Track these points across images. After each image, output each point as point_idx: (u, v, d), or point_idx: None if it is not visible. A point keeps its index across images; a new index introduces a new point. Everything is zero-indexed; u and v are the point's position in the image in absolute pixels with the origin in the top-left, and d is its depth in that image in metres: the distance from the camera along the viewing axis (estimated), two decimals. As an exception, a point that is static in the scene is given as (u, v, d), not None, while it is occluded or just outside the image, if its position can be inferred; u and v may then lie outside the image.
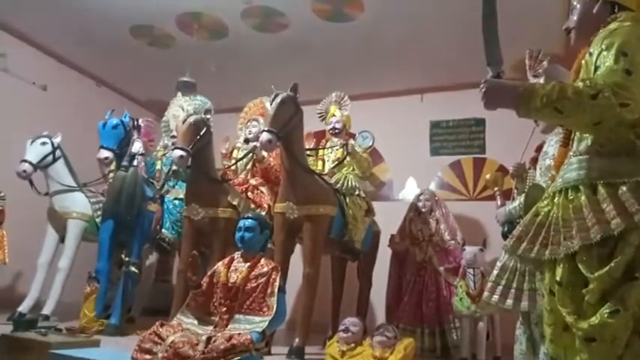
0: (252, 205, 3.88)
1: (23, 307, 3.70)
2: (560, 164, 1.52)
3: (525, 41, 3.03)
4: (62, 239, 3.97)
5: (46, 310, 3.71)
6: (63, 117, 5.02)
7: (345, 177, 3.86)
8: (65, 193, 3.96)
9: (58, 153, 4.00)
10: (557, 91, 1.27)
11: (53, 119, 4.71)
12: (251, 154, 4.07)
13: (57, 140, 4.02)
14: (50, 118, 4.79)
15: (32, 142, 3.92)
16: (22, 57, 5.02)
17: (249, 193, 4.03)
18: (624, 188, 1.28)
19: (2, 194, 3.76)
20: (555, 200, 1.43)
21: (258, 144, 3.40)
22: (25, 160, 3.78)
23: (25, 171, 3.74)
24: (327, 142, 4.17)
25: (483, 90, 1.41)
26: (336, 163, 3.92)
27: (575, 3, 1.57)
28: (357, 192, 3.79)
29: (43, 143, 3.93)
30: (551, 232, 1.38)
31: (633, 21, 1.40)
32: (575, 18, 1.56)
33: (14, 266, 3.90)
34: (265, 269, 2.51)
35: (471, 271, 3.43)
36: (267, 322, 2.35)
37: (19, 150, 3.88)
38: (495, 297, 2.32)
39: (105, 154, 3.54)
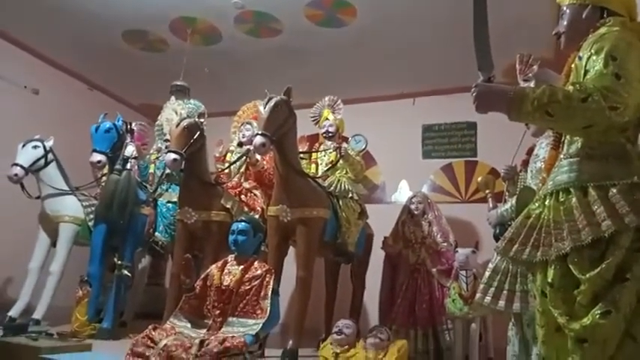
0: (246, 209, 3.88)
1: (14, 312, 3.66)
2: (551, 167, 1.54)
3: (516, 46, 3.07)
4: (54, 243, 3.93)
5: (37, 315, 3.67)
6: (55, 121, 5.00)
7: (339, 180, 3.88)
8: (57, 197, 3.93)
9: (50, 156, 3.96)
10: (548, 95, 1.29)
11: (45, 123, 4.68)
12: (244, 158, 4.07)
13: (49, 144, 3.99)
14: (42, 121, 4.77)
15: (24, 145, 3.88)
16: (13, 61, 4.99)
17: (243, 197, 4.03)
18: (614, 190, 1.30)
19: (-7, 198, 3.74)
20: (546, 202, 1.45)
21: (251, 147, 3.40)
22: (17, 164, 3.74)
23: (16, 174, 3.70)
24: (320, 145, 4.18)
25: (474, 94, 1.43)
26: (330, 166, 3.93)
27: (564, 8, 1.59)
28: (350, 195, 3.81)
29: (35, 147, 3.90)
30: (542, 234, 1.40)
31: (622, 26, 1.43)
32: (564, 23, 1.59)
33: (5, 271, 3.87)
34: (259, 272, 2.51)
35: (463, 272, 3.45)
36: (260, 325, 2.35)
37: (11, 154, 3.85)
38: (488, 298, 2.34)
39: (97, 157, 3.53)
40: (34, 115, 5.00)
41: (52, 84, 5.43)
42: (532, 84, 2.41)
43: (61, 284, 3.83)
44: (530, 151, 2.63)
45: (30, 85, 5.16)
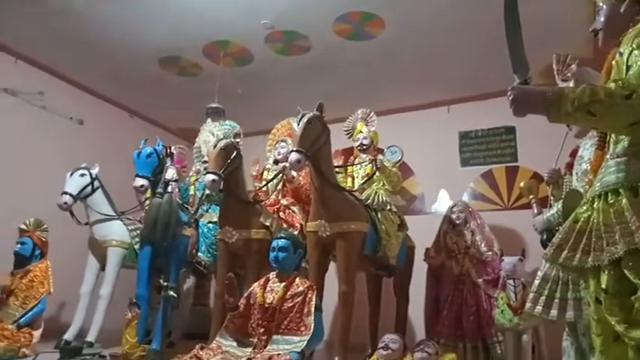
0: (285, 225, 3.90)
1: (68, 335, 3.79)
2: (597, 168, 1.49)
3: (552, 46, 3.00)
4: (103, 267, 4.07)
5: (90, 337, 3.79)
6: (99, 149, 5.22)
7: (376, 192, 3.85)
8: (104, 222, 4.07)
9: (96, 183, 4.12)
10: (589, 94, 1.25)
11: (90, 151, 4.89)
12: (281, 175, 4.10)
13: (95, 171, 4.15)
14: (87, 150, 4.98)
15: (71, 174, 4.06)
16: (58, 94, 5.26)
17: (281, 213, 4.06)
18: (667, 189, 1.24)
19: (45, 226, 3.90)
20: (595, 205, 1.39)
21: (287, 164, 3.44)
22: (66, 192, 3.91)
23: (66, 202, 3.86)
24: (355, 158, 4.18)
25: (511, 97, 1.40)
26: (366, 179, 3.92)
27: (600, 4, 1.55)
28: (388, 207, 3.77)
29: (82, 175, 4.07)
30: (592, 238, 1.34)
31: (663, 19, 1.38)
32: (602, 19, 1.54)
33: (58, 295, 4.02)
34: (301, 288, 2.52)
35: (511, 282, 3.34)
36: (305, 342, 2.35)
37: (59, 182, 4.03)
38: (539, 308, 2.24)
39: (140, 182, 3.63)
40: (80, 144, 5.24)
41: (95, 113, 5.69)
42: (571, 84, 2.34)
43: (110, 307, 3.95)
44: (574, 153, 2.54)
45: (75, 116, 5.42)
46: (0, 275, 3.83)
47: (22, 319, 3.41)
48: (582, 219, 1.41)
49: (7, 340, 3.12)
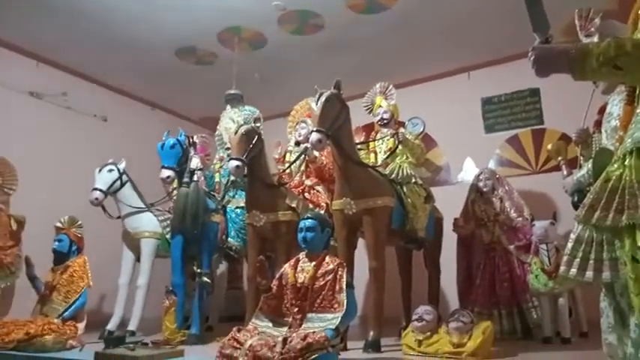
0: (311, 205, 3.92)
1: (111, 326, 3.93)
2: (627, 124, 1.44)
3: (573, 1, 2.87)
4: (138, 259, 4.18)
5: (132, 327, 3.93)
6: (124, 143, 5.32)
7: (400, 166, 3.82)
8: (135, 215, 4.17)
9: (124, 178, 4.21)
10: (614, 48, 1.20)
11: (116, 147, 4.99)
12: (303, 156, 4.11)
13: (122, 166, 4.24)
14: (113, 146, 5.09)
15: (100, 170, 4.15)
16: (81, 93, 5.36)
17: (306, 194, 4.07)
18: (702, 141, 1.19)
19: (79, 222, 4.01)
20: (626, 162, 1.35)
21: (308, 145, 3.43)
22: (96, 188, 4.01)
23: (96, 198, 3.97)
24: (376, 133, 4.14)
25: (532, 58, 1.36)
26: (389, 153, 3.88)
27: (623, -49, 1.48)
28: (413, 180, 3.74)
29: (110, 170, 4.16)
30: (625, 196, 1.31)
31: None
32: (625, -33, 1.47)
33: (97, 288, 4.16)
34: (331, 266, 2.54)
35: (543, 246, 3.30)
36: (339, 319, 2.37)
37: (89, 179, 4.13)
38: (573, 270, 2.19)
39: (166, 173, 3.69)
40: (105, 140, 5.35)
41: (118, 109, 5.79)
42: (595, 39, 2.25)
43: (148, 296, 4.07)
44: (602, 110, 2.46)
45: (98, 113, 5.53)
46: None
47: (66, 312, 3.54)
48: (614, 177, 1.37)
49: (55, 333, 3.25)
